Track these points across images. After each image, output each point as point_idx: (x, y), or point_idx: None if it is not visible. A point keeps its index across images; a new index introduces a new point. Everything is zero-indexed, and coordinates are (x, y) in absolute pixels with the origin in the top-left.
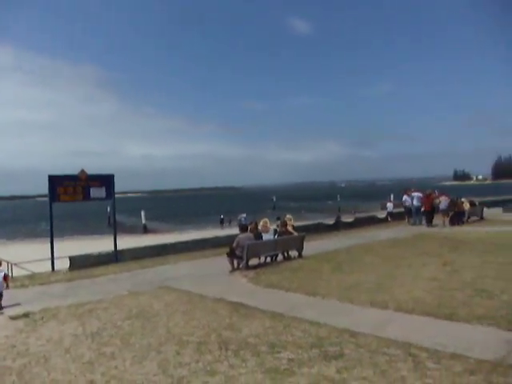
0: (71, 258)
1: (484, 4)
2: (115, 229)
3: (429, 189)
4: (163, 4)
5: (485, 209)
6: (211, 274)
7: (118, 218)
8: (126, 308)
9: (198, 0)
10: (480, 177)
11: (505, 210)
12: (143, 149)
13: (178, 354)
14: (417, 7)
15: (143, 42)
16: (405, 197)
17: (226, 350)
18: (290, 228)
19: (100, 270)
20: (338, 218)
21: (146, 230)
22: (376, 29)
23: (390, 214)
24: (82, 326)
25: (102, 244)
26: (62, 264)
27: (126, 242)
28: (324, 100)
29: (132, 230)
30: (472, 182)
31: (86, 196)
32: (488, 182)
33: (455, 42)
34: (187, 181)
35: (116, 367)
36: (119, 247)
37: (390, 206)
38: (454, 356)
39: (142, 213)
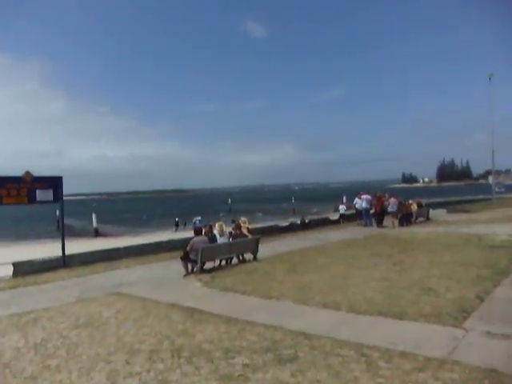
0: (15, 264)
1: (426, 18)
2: (63, 233)
3: (379, 191)
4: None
5: (430, 210)
6: (165, 279)
7: (68, 221)
8: (73, 316)
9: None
10: (426, 179)
11: (448, 211)
12: (95, 149)
13: (128, 363)
14: (368, 16)
15: (98, 39)
16: (356, 199)
17: (179, 357)
18: (244, 230)
19: (47, 277)
20: (303, 218)
21: (97, 234)
22: (329, 34)
23: (343, 215)
24: (24, 337)
25: (49, 249)
26: (5, 271)
27: (76, 247)
28: (278, 103)
29: (82, 233)
30: (419, 184)
31: (32, 199)
32: (433, 184)
33: (402, 51)
34: (142, 182)
35: (61, 381)
36: (68, 252)
37: (342, 208)
38: (404, 354)
39: (94, 216)
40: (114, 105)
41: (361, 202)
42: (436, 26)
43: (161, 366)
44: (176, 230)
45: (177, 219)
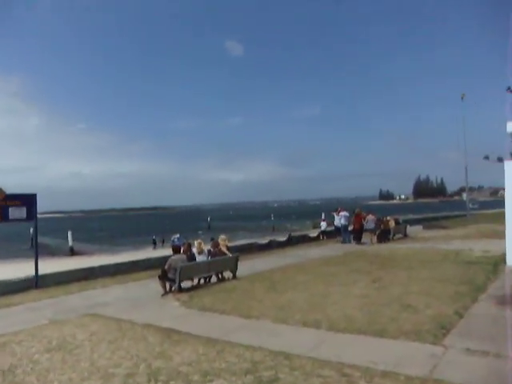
0: None
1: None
2: (37, 252)
3: (357, 208)
4: (103, 14)
5: (408, 226)
6: (142, 299)
7: (43, 239)
8: (45, 340)
9: (137, 17)
10: (402, 196)
11: (425, 227)
12: (72, 166)
13: None
14: (345, 33)
15: (76, 54)
16: (335, 216)
17: (156, 381)
18: (223, 248)
19: (18, 298)
20: (290, 235)
21: (72, 253)
22: (304, 57)
23: (324, 232)
24: None
25: (22, 268)
26: None
27: (50, 266)
28: (256, 120)
29: (57, 252)
30: (395, 201)
31: (4, 217)
32: (410, 200)
33: (377, 74)
34: (119, 200)
35: None
36: (42, 271)
37: (323, 224)
38: (385, 374)
39: (69, 234)
40: (92, 122)
41: (339, 219)
42: (412, 49)
43: None
44: (154, 248)
45: (154, 237)
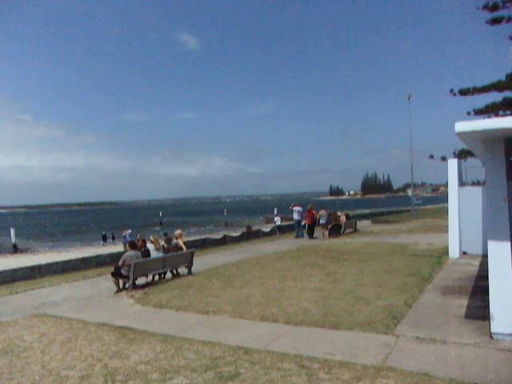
0: None
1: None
2: None
3: (310, 203)
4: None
5: (357, 221)
6: (94, 297)
7: None
8: None
9: (88, 12)
10: (351, 192)
11: (373, 222)
12: (15, 159)
13: None
14: (299, 29)
15: (18, 40)
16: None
17: (113, 381)
18: (180, 243)
19: None
20: (249, 228)
21: (16, 250)
22: (259, 53)
23: (278, 227)
24: None
25: None
26: None
27: None
28: (210, 115)
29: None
30: (345, 196)
31: None
32: (358, 196)
33: (328, 76)
34: (67, 195)
35: None
36: None
37: (277, 219)
38: (342, 364)
39: (12, 230)
40: (36, 113)
41: (293, 214)
42: (363, 51)
43: None
44: (104, 244)
45: (104, 233)
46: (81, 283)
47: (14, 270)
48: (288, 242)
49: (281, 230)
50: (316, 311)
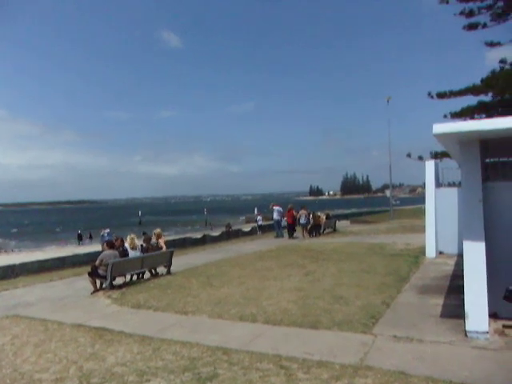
0: None
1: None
2: None
3: (290, 203)
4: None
5: (337, 221)
6: (70, 297)
7: None
8: None
9: (72, 5)
10: (331, 192)
11: (352, 222)
12: None
13: None
14: (281, 28)
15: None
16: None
17: None
18: (161, 242)
19: None
20: (229, 227)
21: None
22: (242, 47)
23: (260, 226)
24: None
25: None
26: None
27: None
28: (191, 114)
29: None
30: (325, 197)
31: None
32: (337, 196)
33: (308, 78)
34: (43, 193)
35: None
36: None
37: (259, 218)
38: (321, 364)
39: None
40: (14, 108)
41: (272, 214)
42: (339, 52)
43: None
44: (80, 243)
45: (79, 232)
46: (56, 283)
47: None
48: (268, 242)
49: (261, 230)
50: (295, 311)
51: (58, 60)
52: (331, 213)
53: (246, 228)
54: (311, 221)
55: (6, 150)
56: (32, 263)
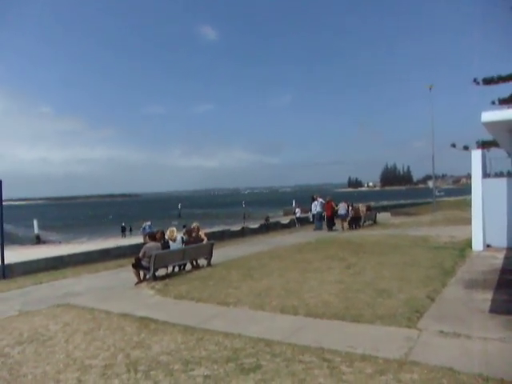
0: None
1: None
2: (2, 240)
3: (329, 195)
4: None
5: (377, 213)
6: (115, 288)
7: (7, 228)
8: (15, 332)
9: (107, 6)
10: (370, 184)
11: (393, 214)
12: (37, 152)
13: (79, 381)
14: (317, 19)
15: (41, 33)
16: (312, 203)
17: (136, 371)
18: (202, 235)
19: None
20: (267, 220)
21: (39, 241)
22: (278, 39)
23: (298, 219)
24: None
25: None
26: None
27: (16, 255)
28: (229, 107)
29: (22, 241)
30: (364, 188)
31: None
32: (377, 188)
33: (346, 64)
34: (86, 187)
35: None
36: (8, 261)
37: (298, 211)
38: (364, 357)
39: (35, 222)
40: (57, 105)
41: (315, 206)
42: (380, 41)
43: (116, 382)
44: (123, 235)
45: (123, 224)
46: (102, 274)
47: (37, 261)
48: (307, 234)
49: (300, 222)
50: (337, 304)
51: (96, 59)
52: (371, 205)
53: (285, 220)
54: (351, 213)
55: (51, 146)
56: (79, 255)
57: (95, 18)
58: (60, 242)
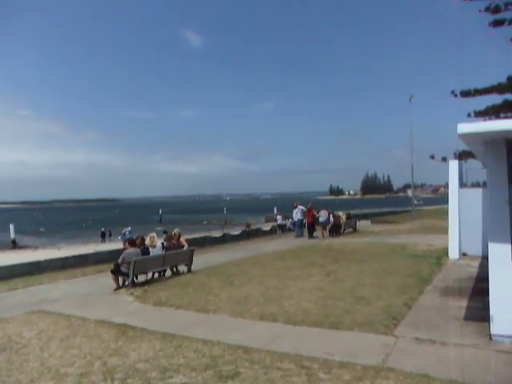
0: None
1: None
2: None
3: (310, 203)
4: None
5: (357, 221)
6: (93, 294)
7: None
8: None
9: (90, 9)
10: (351, 192)
11: (373, 222)
12: (14, 155)
13: None
14: (302, 28)
15: (19, 33)
16: (293, 210)
17: (112, 379)
18: (183, 240)
19: None
20: (248, 227)
21: (15, 246)
22: (262, 46)
23: (279, 226)
24: None
25: None
26: None
27: None
28: (212, 113)
29: None
30: (345, 196)
31: None
32: (358, 196)
33: (329, 79)
34: (65, 191)
35: None
36: None
37: (279, 218)
38: (342, 364)
39: (11, 226)
40: (36, 108)
41: (295, 213)
42: (362, 57)
43: None
44: (103, 241)
45: (103, 229)
46: (80, 280)
47: (13, 266)
48: (288, 242)
49: (281, 229)
50: (316, 311)
51: (80, 61)
52: (352, 212)
53: (266, 227)
54: (331, 220)
55: (31, 148)
56: (56, 260)
57: (79, 19)
58: (37, 247)
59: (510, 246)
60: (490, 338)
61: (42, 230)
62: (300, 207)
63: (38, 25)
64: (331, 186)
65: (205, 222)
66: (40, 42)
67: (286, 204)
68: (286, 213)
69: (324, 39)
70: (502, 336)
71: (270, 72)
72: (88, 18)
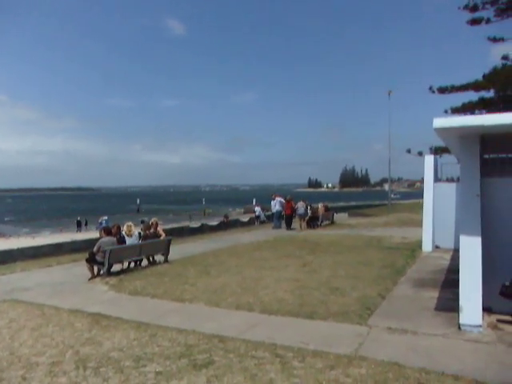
0: None
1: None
2: None
3: (289, 195)
4: None
5: (335, 214)
6: (67, 283)
7: None
8: None
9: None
10: (330, 185)
11: (350, 215)
12: None
13: (24, 379)
14: (285, 20)
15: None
16: (272, 201)
17: (85, 368)
18: (160, 230)
19: None
20: (226, 218)
21: None
22: (245, 37)
23: (258, 217)
24: None
25: None
26: None
27: None
28: (193, 103)
29: None
30: (323, 189)
31: None
32: (336, 189)
33: (313, 70)
34: (42, 179)
35: None
36: None
37: (257, 209)
38: (316, 353)
39: None
40: (14, 93)
41: (274, 205)
42: (348, 49)
43: (63, 379)
44: (78, 230)
45: (79, 218)
46: (54, 269)
47: None
48: (266, 233)
49: (259, 221)
50: (291, 301)
51: (60, 46)
52: (330, 205)
53: (244, 218)
54: (309, 212)
55: (6, 135)
56: (29, 249)
57: (62, 5)
58: (10, 236)
59: (480, 238)
60: (459, 328)
61: (15, 218)
62: (278, 199)
63: (19, 5)
64: (310, 179)
65: (185, 213)
66: (18, 22)
67: (264, 195)
68: (265, 204)
69: (306, 32)
70: (470, 326)
71: (252, 62)
72: (75, 2)
